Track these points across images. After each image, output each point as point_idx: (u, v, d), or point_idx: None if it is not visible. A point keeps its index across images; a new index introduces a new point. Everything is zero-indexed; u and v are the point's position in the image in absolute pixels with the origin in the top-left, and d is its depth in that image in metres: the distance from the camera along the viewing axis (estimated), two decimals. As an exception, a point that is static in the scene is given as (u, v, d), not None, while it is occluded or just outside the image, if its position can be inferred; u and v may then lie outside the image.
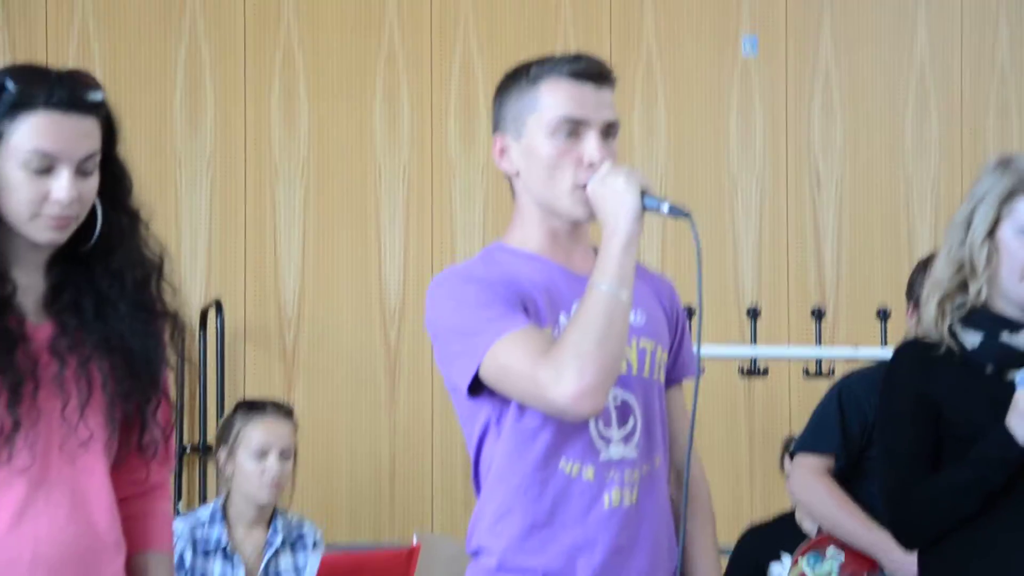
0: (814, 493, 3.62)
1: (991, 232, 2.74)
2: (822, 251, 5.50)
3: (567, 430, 2.41)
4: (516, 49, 5.40)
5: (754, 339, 4.92)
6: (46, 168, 2.26)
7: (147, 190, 5.79)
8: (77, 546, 2.30)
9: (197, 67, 5.24)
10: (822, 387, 4.92)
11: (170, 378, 2.43)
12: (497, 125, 2.50)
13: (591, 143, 2.42)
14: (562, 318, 2.42)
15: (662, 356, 2.52)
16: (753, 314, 4.85)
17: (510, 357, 2.35)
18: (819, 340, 5.02)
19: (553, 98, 2.43)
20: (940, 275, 2.79)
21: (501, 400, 2.41)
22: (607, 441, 2.44)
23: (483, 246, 5.53)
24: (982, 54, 5.57)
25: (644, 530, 2.46)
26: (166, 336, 2.40)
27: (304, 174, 5.29)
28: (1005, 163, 2.79)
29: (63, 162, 2.27)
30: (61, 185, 2.26)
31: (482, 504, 2.47)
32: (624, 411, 2.45)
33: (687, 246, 5.11)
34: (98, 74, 5.68)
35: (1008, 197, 2.74)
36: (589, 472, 2.43)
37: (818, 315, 4.99)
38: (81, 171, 2.28)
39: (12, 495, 2.27)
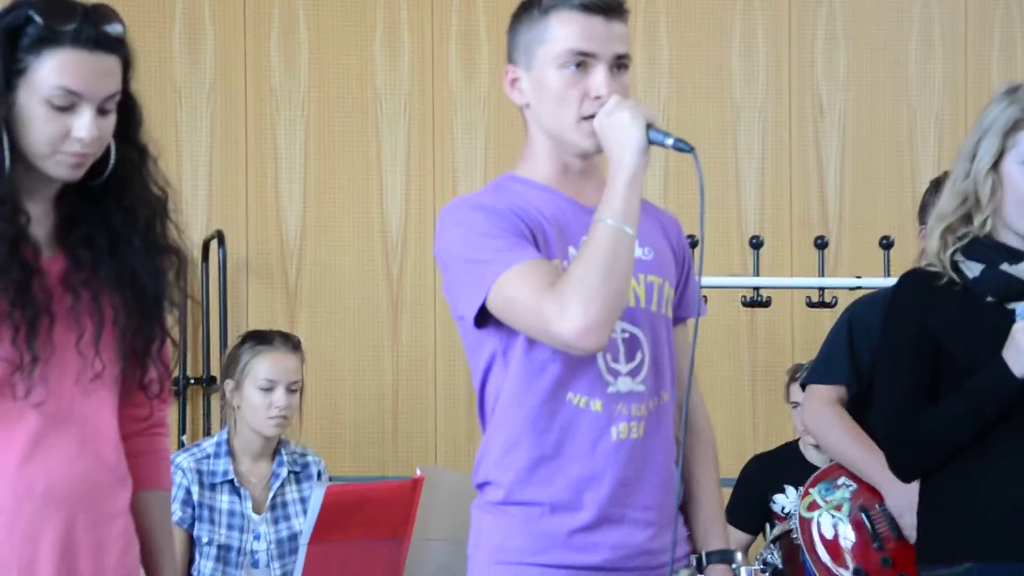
0: (824, 423, 3.62)
1: (995, 164, 2.75)
2: (825, 181, 5.52)
3: (575, 363, 2.42)
4: (516, -21, 5.40)
5: (756, 270, 4.93)
6: (69, 105, 2.26)
7: (148, 123, 5.79)
8: (87, 479, 2.32)
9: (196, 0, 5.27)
10: (825, 317, 4.95)
11: (171, 314, 2.43)
12: (509, 55, 2.50)
13: (599, 76, 2.41)
14: (571, 250, 2.43)
15: (669, 292, 2.53)
16: (755, 244, 4.86)
17: (516, 289, 2.36)
18: (822, 270, 5.02)
19: (562, 30, 2.42)
20: (945, 207, 2.80)
21: (508, 332, 2.42)
22: (615, 374, 2.45)
23: (484, 178, 5.59)
24: (987, -16, 5.56)
25: (651, 464, 2.46)
26: (171, 274, 2.41)
27: (305, 106, 5.30)
28: (1012, 91, 2.78)
29: (86, 100, 2.27)
30: (84, 124, 2.26)
31: (489, 437, 2.48)
32: (632, 345, 2.46)
33: (689, 180, 5.11)
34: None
35: (1012, 129, 2.73)
36: (597, 405, 2.44)
37: (821, 245, 5.00)
38: (102, 110, 2.28)
39: (26, 428, 2.29)
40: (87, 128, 2.26)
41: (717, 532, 2.57)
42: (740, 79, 5.48)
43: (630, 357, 2.47)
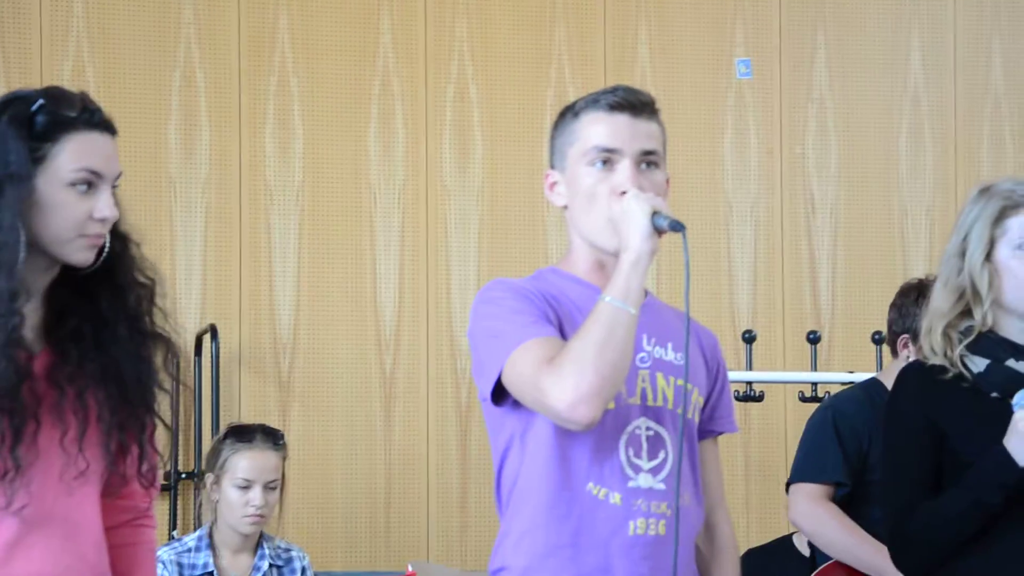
0: (820, 521, 3.58)
1: (988, 256, 2.76)
2: (817, 276, 5.52)
3: (597, 454, 2.43)
4: (510, 75, 5.43)
5: (750, 364, 4.92)
6: (88, 187, 2.27)
7: (142, 215, 5.77)
8: None
9: (192, 92, 5.25)
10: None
11: (164, 403, 2.42)
12: (550, 160, 2.57)
13: (624, 172, 2.46)
14: None
15: (698, 399, 2.55)
16: (748, 339, 4.86)
17: (523, 363, 2.39)
18: (815, 365, 5.03)
19: (590, 129, 2.49)
20: (941, 305, 2.80)
21: (527, 414, 2.44)
22: (636, 470, 2.46)
23: (478, 270, 5.59)
24: (975, 80, 5.60)
25: (666, 563, 2.45)
26: (159, 360, 2.39)
27: (299, 199, 5.30)
28: (986, 189, 2.81)
29: (104, 180, 2.29)
30: (106, 203, 2.28)
31: (507, 522, 2.48)
32: (656, 443, 2.47)
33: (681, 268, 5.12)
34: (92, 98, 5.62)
35: (999, 218, 2.76)
36: (616, 497, 2.44)
37: (814, 339, 5.00)
38: (113, 190, 2.30)
39: (5, 532, 2.26)
40: (110, 207, 2.28)
41: None
42: (732, 174, 5.50)
43: (653, 455, 2.47)
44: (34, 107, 2.26)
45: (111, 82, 5.19)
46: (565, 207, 2.54)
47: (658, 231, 2.40)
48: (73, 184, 2.26)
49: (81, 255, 2.29)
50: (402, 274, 5.31)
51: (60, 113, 2.27)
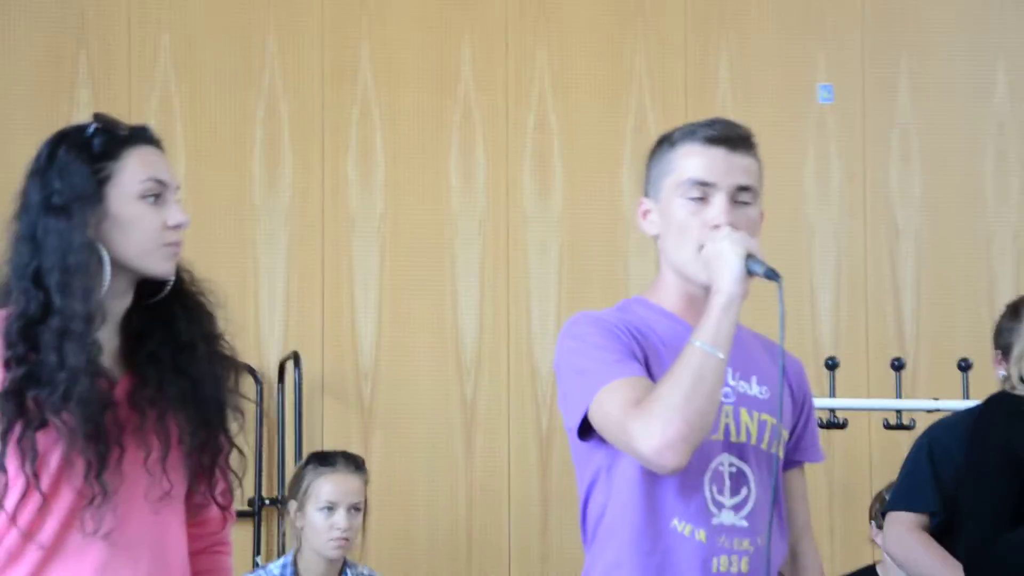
0: (913, 550, 3.54)
1: None
2: (901, 302, 5.47)
3: (683, 490, 2.43)
4: (590, 103, 5.44)
5: (833, 391, 4.89)
6: (157, 197, 2.32)
7: (226, 244, 5.85)
8: None
9: (275, 123, 5.30)
10: (903, 439, 4.87)
11: (236, 423, 2.44)
12: (644, 189, 2.57)
13: (717, 206, 2.46)
14: None
15: (783, 434, 2.54)
16: (831, 366, 4.82)
17: (610, 403, 2.39)
18: (899, 392, 4.98)
19: (686, 161, 2.49)
20: None
21: (614, 450, 2.43)
22: (719, 506, 2.46)
23: (558, 299, 5.60)
24: (1061, 104, 5.54)
25: None
26: (231, 382, 2.43)
27: (380, 228, 5.33)
28: None
29: (169, 190, 2.35)
30: (176, 210, 2.34)
31: (592, 556, 2.49)
32: (739, 480, 2.48)
33: (769, 304, 5.10)
34: (179, 130, 5.76)
35: None
36: (701, 534, 2.44)
37: (898, 366, 4.96)
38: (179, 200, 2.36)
39: (94, 558, 2.30)
40: (181, 213, 2.34)
41: None
42: (814, 199, 5.47)
43: (735, 491, 2.47)
44: (89, 132, 2.32)
45: (197, 113, 5.26)
46: (657, 236, 2.53)
47: (752, 275, 2.39)
48: (143, 196, 2.31)
49: (164, 265, 2.34)
50: (483, 302, 5.32)
51: (115, 132, 2.33)
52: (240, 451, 2.44)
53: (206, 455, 2.39)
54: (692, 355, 2.36)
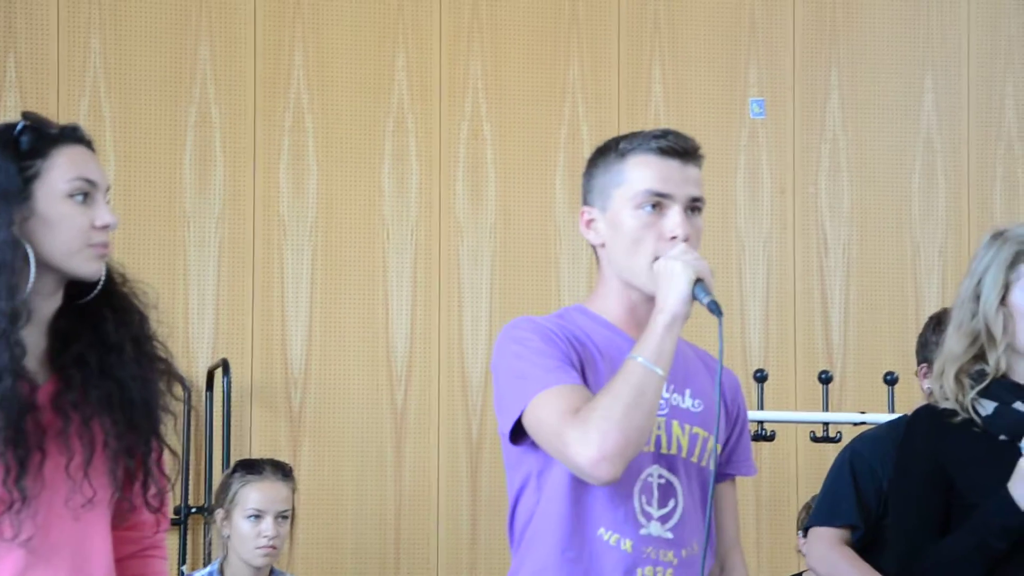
0: (836, 566, 3.54)
1: (1002, 300, 2.78)
2: (829, 315, 5.51)
3: (612, 499, 2.45)
4: (524, 112, 5.45)
5: (761, 404, 4.92)
6: (86, 197, 2.30)
7: (157, 249, 5.79)
8: None
9: (207, 129, 5.27)
10: (829, 452, 4.89)
11: (170, 428, 2.43)
12: (585, 197, 2.56)
13: (674, 217, 2.46)
14: None
15: (715, 447, 2.54)
16: (760, 378, 4.85)
17: (546, 410, 2.40)
18: (826, 405, 5.01)
19: (639, 172, 2.48)
20: (954, 348, 2.83)
21: (545, 455, 2.44)
22: (648, 517, 2.47)
23: (490, 307, 5.60)
24: (988, 123, 5.61)
25: None
26: (162, 383, 2.42)
27: (312, 235, 5.31)
28: (999, 234, 2.84)
29: (98, 190, 2.32)
30: (104, 211, 2.32)
31: (519, 560, 2.51)
32: (667, 492, 2.49)
33: (707, 320, 5.13)
34: (109, 135, 5.70)
35: (1014, 262, 2.79)
36: (627, 544, 2.45)
37: (825, 379, 4.99)
38: (108, 200, 2.34)
39: (12, 565, 2.28)
40: (109, 214, 2.32)
41: None
42: (744, 211, 5.51)
43: (663, 503, 2.48)
44: (17, 130, 2.31)
45: (127, 118, 5.22)
46: (602, 245, 2.53)
47: (707, 305, 2.40)
48: (71, 195, 2.29)
49: (91, 265, 2.32)
50: (414, 310, 5.32)
51: (44, 131, 2.31)
52: (173, 452, 2.42)
53: (134, 459, 2.37)
54: (633, 370, 2.36)
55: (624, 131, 2.57)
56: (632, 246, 2.47)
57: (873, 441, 3.59)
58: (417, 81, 5.37)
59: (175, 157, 5.24)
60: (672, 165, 2.49)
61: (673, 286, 2.39)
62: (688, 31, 5.49)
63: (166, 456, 2.42)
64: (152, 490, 2.41)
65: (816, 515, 3.64)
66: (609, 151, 2.53)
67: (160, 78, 5.25)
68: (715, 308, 2.39)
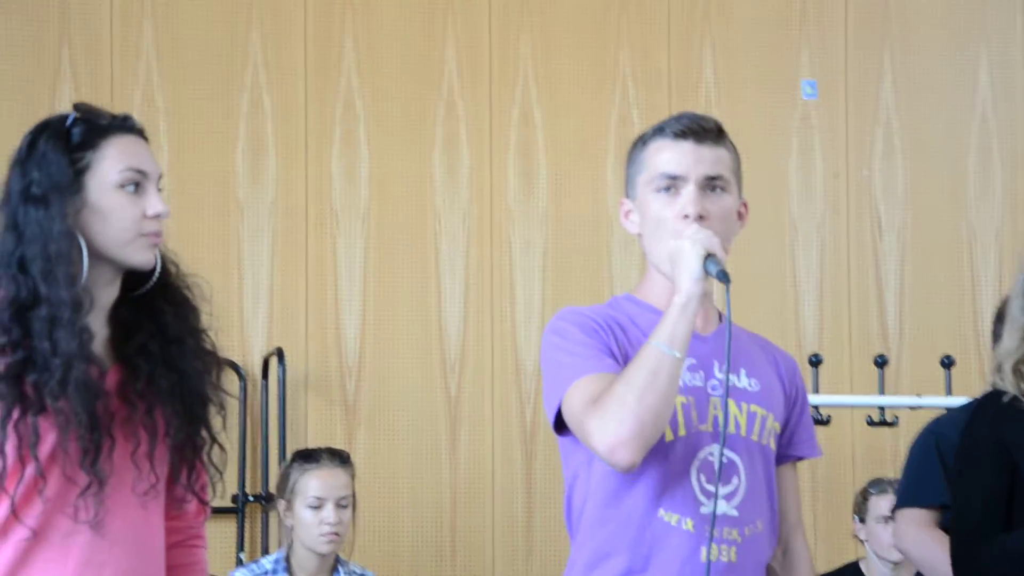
0: (928, 548, 3.52)
1: None
2: (884, 299, 5.49)
3: (669, 480, 2.46)
4: (575, 98, 5.45)
5: (816, 387, 4.91)
6: (137, 187, 2.33)
7: (210, 239, 5.83)
8: None
9: (259, 118, 5.31)
10: (886, 435, 4.92)
11: (218, 423, 2.47)
12: (625, 190, 2.62)
13: (687, 196, 2.50)
14: None
15: (773, 425, 2.57)
16: (815, 362, 4.85)
17: (573, 399, 2.43)
18: (882, 388, 5.00)
19: (656, 157, 2.54)
20: (1008, 344, 2.86)
21: None
22: (709, 496, 2.48)
23: (543, 295, 5.60)
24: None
25: None
26: (214, 378, 2.45)
27: (364, 223, 5.33)
28: None
29: (150, 179, 2.35)
30: (156, 200, 2.34)
31: (577, 547, 2.51)
32: (729, 470, 2.50)
33: (745, 302, 5.13)
34: (162, 124, 5.72)
35: None
36: (689, 524, 2.47)
37: (881, 363, 4.98)
38: (160, 189, 2.37)
39: (81, 546, 2.32)
40: (161, 203, 2.34)
41: None
42: (797, 195, 5.50)
43: (726, 481, 2.50)
44: (68, 122, 2.34)
45: (180, 108, 5.26)
46: (639, 235, 2.57)
47: (716, 276, 2.42)
48: (122, 185, 2.32)
49: (143, 255, 2.35)
50: (467, 297, 5.33)
51: (95, 122, 2.34)
52: (221, 446, 2.46)
53: (189, 449, 2.41)
54: (648, 354, 2.39)
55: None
56: (655, 230, 2.52)
57: (954, 424, 3.55)
58: (468, 67, 5.38)
59: (228, 147, 5.28)
60: (686, 146, 2.52)
61: (684, 266, 2.42)
62: (738, 14, 5.47)
63: (216, 449, 2.45)
64: (200, 481, 2.45)
65: (903, 497, 3.61)
66: (637, 142, 2.59)
67: (212, 67, 5.29)
68: (723, 276, 2.42)
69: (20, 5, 5.22)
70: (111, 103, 5.10)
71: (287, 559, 4.09)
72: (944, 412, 3.81)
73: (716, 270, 2.42)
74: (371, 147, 5.37)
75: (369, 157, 5.37)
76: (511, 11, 5.38)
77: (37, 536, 2.31)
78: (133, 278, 2.39)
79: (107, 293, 2.37)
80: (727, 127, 2.61)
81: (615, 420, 2.37)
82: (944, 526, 3.51)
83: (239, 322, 5.20)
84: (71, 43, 5.23)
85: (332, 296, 5.29)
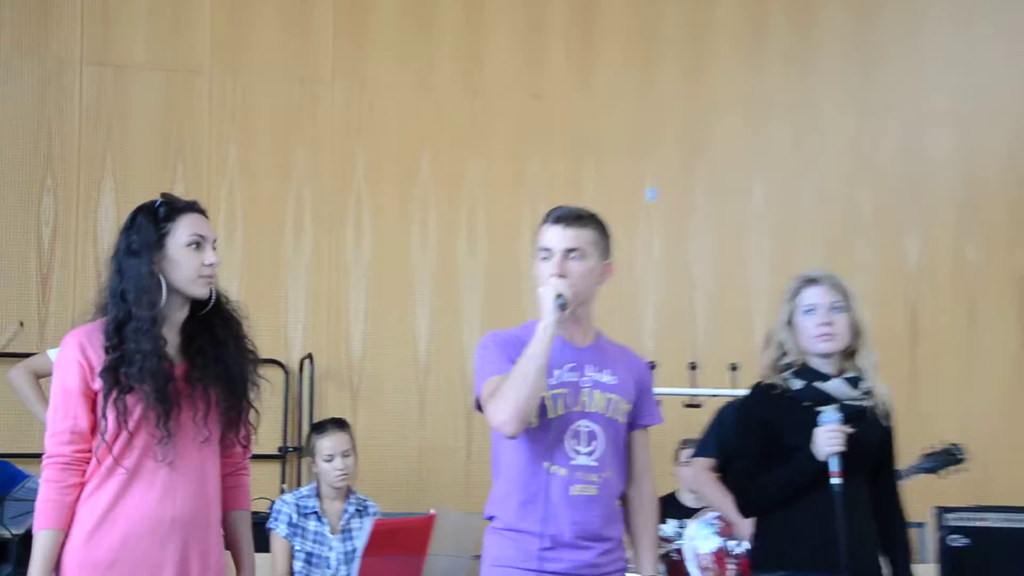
0: (704, 484, 3.75)
1: (789, 321, 3.05)
2: (695, 325, 5.68)
3: (553, 442, 2.59)
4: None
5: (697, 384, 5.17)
6: (198, 245, 2.48)
7: (266, 283, 5.35)
8: (198, 510, 2.50)
9: (302, 206, 5.40)
10: (693, 413, 5.23)
11: (255, 391, 2.56)
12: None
13: (552, 263, 2.66)
14: (555, 371, 2.67)
15: (624, 406, 2.68)
16: (652, 366, 4.36)
17: (484, 391, 2.60)
18: (693, 383, 5.38)
19: (541, 236, 2.69)
20: (770, 353, 3.07)
21: None
22: (577, 453, 2.62)
23: (481, 321, 5.61)
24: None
25: (597, 511, 2.67)
26: (252, 368, 2.59)
27: (366, 274, 5.50)
28: (797, 279, 3.08)
29: (207, 241, 2.50)
30: (211, 254, 2.49)
31: (496, 485, 2.69)
32: (591, 436, 2.63)
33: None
34: (238, 212, 5.48)
35: (794, 295, 3.05)
36: (563, 471, 2.61)
37: (693, 367, 5.40)
38: (214, 248, 2.55)
39: (162, 477, 2.47)
40: (214, 256, 2.49)
41: (649, 559, 2.75)
42: (640, 256, 5.53)
43: (588, 444, 2.63)
44: (157, 204, 2.51)
45: (250, 200, 5.30)
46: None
47: (560, 308, 2.61)
48: (188, 245, 2.47)
49: (202, 289, 2.48)
50: (433, 320, 5.48)
51: (174, 204, 2.51)
52: (256, 411, 2.57)
53: (235, 413, 2.54)
54: (521, 362, 2.53)
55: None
56: (538, 282, 2.66)
57: (733, 407, 3.67)
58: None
59: (280, 225, 5.36)
60: (556, 228, 2.65)
61: (544, 305, 2.57)
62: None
63: (252, 414, 2.59)
64: (243, 433, 2.57)
65: (697, 450, 3.84)
66: (540, 225, 2.70)
67: (272, 173, 5.37)
68: (563, 306, 2.57)
69: (148, 128, 5.21)
70: (208, 198, 5.15)
71: (317, 491, 4.11)
72: (731, 399, 3.92)
73: (559, 303, 2.56)
74: (373, 222, 5.37)
75: (371, 231, 5.35)
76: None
77: (131, 474, 2.44)
78: (197, 304, 2.53)
79: (178, 314, 2.51)
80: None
81: (500, 407, 2.49)
82: (716, 471, 3.77)
83: (284, 335, 5.37)
84: (184, 160, 5.18)
85: (344, 322, 5.44)
